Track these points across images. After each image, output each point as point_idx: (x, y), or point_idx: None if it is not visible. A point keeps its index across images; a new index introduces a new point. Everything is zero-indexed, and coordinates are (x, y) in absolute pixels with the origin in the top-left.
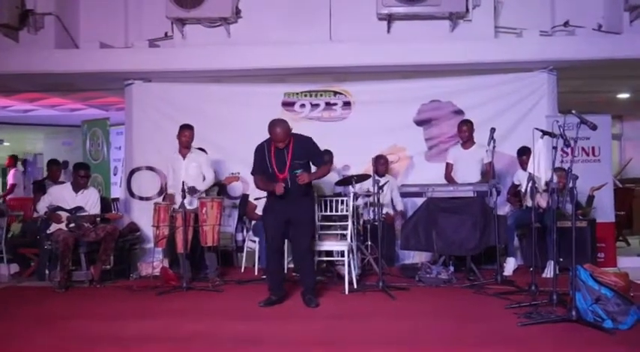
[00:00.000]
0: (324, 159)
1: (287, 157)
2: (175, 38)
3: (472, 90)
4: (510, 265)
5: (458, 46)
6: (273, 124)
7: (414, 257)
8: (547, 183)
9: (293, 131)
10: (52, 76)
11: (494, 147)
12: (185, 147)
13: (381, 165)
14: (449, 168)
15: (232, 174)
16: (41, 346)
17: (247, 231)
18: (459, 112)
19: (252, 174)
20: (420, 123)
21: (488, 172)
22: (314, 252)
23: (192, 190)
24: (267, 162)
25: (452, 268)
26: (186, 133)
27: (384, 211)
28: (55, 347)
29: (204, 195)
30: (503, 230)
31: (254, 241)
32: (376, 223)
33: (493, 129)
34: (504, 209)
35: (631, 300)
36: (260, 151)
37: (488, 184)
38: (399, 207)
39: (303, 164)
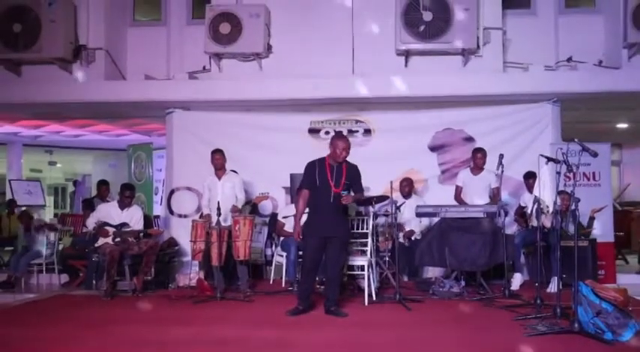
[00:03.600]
0: (362, 187)
1: (342, 175)
2: (212, 71)
3: (482, 120)
4: (517, 280)
5: (469, 79)
6: (338, 137)
7: (428, 272)
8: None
9: (319, 156)
10: (102, 105)
11: (502, 171)
12: (218, 168)
13: (404, 187)
14: (458, 190)
15: (262, 193)
16: (90, 348)
17: (276, 247)
18: (470, 139)
19: (299, 188)
20: (434, 149)
21: (497, 196)
22: (344, 268)
23: (235, 210)
24: (322, 176)
25: (463, 282)
26: (216, 156)
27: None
28: (103, 349)
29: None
30: (510, 248)
31: (282, 256)
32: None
33: (502, 156)
34: (512, 228)
35: (630, 314)
36: (311, 167)
37: (497, 206)
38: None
39: (349, 186)
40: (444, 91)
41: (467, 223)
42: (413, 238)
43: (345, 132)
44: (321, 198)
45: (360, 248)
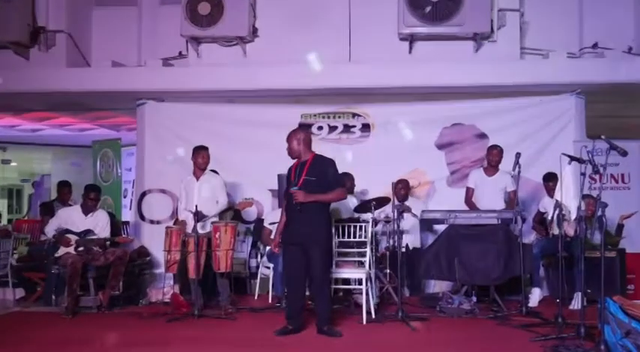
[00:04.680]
0: (339, 183)
1: (303, 173)
2: (190, 57)
3: (496, 114)
4: (536, 296)
5: (482, 68)
6: (288, 134)
7: (435, 286)
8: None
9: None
10: (63, 95)
11: (519, 172)
12: (201, 169)
13: (400, 189)
14: (469, 192)
15: (246, 199)
16: None
17: (261, 257)
18: (483, 136)
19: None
20: (441, 146)
21: (513, 200)
22: (329, 280)
23: (201, 216)
24: (288, 179)
25: (474, 298)
26: (203, 155)
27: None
28: None
29: (215, 218)
30: (528, 259)
31: (268, 268)
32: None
33: (518, 154)
34: (530, 237)
35: None
36: (288, 171)
37: (513, 211)
38: None
39: (317, 183)
40: (453, 81)
41: (479, 231)
42: (412, 247)
43: (340, 128)
44: (288, 202)
45: (357, 259)
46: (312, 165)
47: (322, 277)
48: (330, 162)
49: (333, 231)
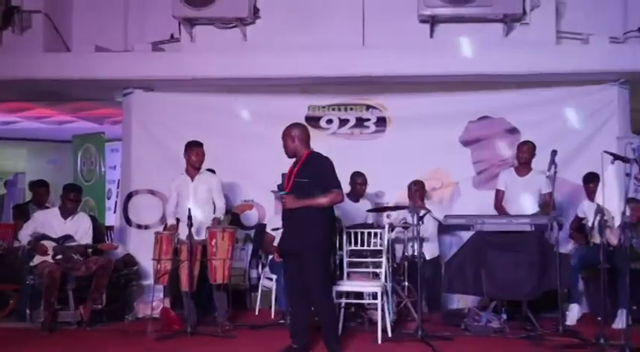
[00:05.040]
0: (334, 185)
1: (292, 174)
2: (183, 41)
3: (529, 106)
4: (574, 313)
5: (513, 54)
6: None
7: (460, 301)
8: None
9: (316, 150)
10: (39, 83)
11: (555, 173)
12: (195, 167)
13: (415, 191)
14: (499, 195)
15: (245, 201)
16: None
17: (263, 267)
18: (514, 131)
19: None
20: (467, 143)
21: (548, 204)
22: (329, 292)
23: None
24: (283, 180)
25: (504, 315)
26: (197, 151)
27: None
28: None
29: (210, 221)
30: (565, 271)
31: (271, 279)
32: (416, 260)
33: (554, 152)
34: (567, 246)
35: None
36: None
37: (548, 216)
38: None
39: (310, 186)
40: (480, 69)
41: (509, 239)
42: (430, 256)
43: (352, 122)
44: (282, 208)
45: (371, 269)
46: (304, 164)
47: (320, 289)
48: (325, 160)
49: (346, 238)
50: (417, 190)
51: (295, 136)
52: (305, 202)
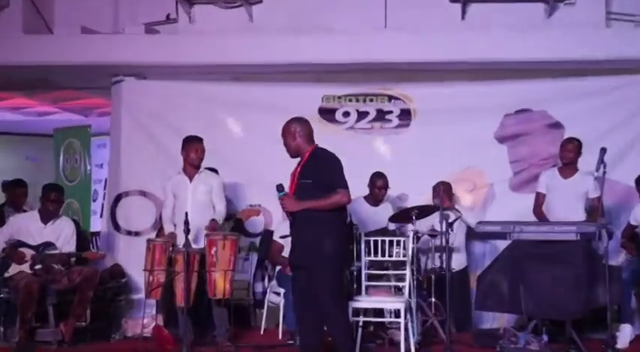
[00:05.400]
0: (340, 184)
1: (296, 174)
2: (180, 22)
3: (574, 97)
4: (626, 334)
5: (556, 38)
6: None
7: (494, 320)
8: None
9: (331, 146)
10: (17, 70)
11: (604, 173)
12: (194, 166)
13: (441, 194)
14: (540, 199)
15: (251, 206)
16: None
17: (270, 280)
18: (557, 126)
19: None
20: (503, 139)
21: (596, 209)
22: (343, 307)
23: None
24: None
25: (545, 337)
26: (197, 148)
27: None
28: None
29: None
30: (616, 286)
31: (278, 294)
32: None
33: (603, 150)
34: (618, 258)
35: None
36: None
37: (596, 224)
38: None
39: (314, 187)
40: (519, 55)
41: (552, 249)
42: (458, 268)
43: (372, 115)
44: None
45: (393, 283)
46: (307, 163)
47: (334, 306)
48: (330, 157)
49: (364, 248)
50: (445, 192)
51: (296, 133)
52: (307, 204)
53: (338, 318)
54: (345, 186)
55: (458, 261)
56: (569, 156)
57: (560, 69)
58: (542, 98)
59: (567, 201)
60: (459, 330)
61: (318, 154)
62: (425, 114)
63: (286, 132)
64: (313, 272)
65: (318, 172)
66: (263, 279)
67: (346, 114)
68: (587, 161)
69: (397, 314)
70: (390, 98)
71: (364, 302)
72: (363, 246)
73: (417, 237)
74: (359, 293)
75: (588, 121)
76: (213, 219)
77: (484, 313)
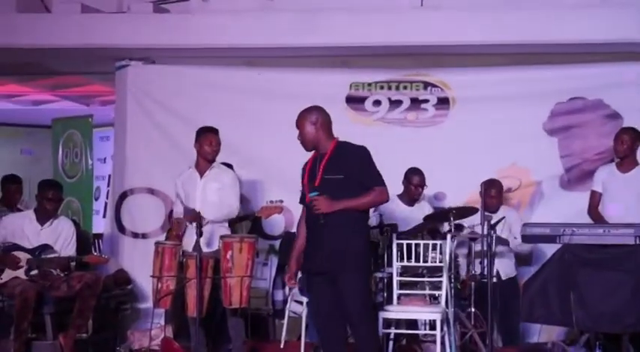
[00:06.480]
0: (376, 181)
1: (319, 170)
2: (192, 1)
3: (635, 84)
4: None
5: (614, 16)
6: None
7: (542, 333)
8: None
9: (361, 138)
10: (11, 53)
11: None
12: (208, 160)
13: (491, 196)
14: (595, 198)
15: (272, 202)
16: None
17: (291, 289)
18: (615, 116)
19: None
20: (553, 131)
21: None
22: (373, 321)
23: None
24: (304, 180)
25: None
26: (212, 140)
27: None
28: None
29: (224, 228)
30: None
31: (300, 303)
32: (485, 280)
33: None
34: None
35: None
36: (303, 170)
37: None
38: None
39: (342, 184)
40: (571, 36)
41: (607, 254)
42: (505, 276)
43: (406, 104)
44: (307, 214)
45: (428, 292)
46: (332, 157)
47: (362, 316)
48: (361, 150)
49: (396, 251)
50: (495, 196)
51: (318, 122)
52: (344, 204)
53: (367, 329)
54: (383, 183)
55: (506, 269)
56: (622, 148)
57: (620, 52)
58: (598, 85)
59: (626, 200)
60: (506, 344)
61: (346, 147)
62: (465, 103)
63: (304, 120)
64: (344, 276)
65: (350, 166)
66: (283, 287)
67: (377, 103)
68: None
69: (432, 325)
70: (426, 85)
71: (395, 312)
72: (395, 250)
73: (455, 240)
74: (390, 302)
75: None
76: (197, 211)
77: (532, 325)
